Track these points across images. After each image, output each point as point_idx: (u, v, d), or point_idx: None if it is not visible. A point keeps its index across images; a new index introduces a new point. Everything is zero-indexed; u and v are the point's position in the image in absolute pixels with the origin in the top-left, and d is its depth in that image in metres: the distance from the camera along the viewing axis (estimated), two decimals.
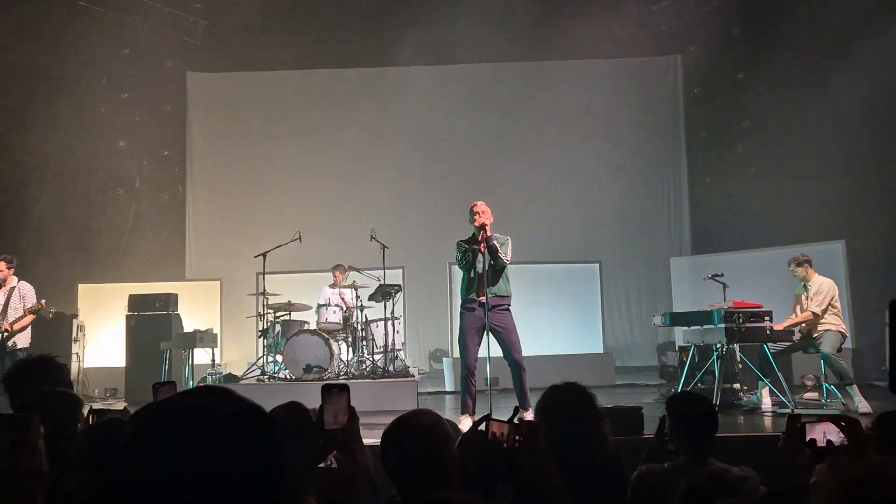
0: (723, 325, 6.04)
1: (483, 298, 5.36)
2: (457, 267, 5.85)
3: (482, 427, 1.73)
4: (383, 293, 7.80)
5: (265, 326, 7.81)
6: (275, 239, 7.94)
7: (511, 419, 1.73)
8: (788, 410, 5.63)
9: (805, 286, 6.53)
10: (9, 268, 6.56)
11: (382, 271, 7.78)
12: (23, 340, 6.50)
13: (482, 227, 5.39)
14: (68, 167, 9.71)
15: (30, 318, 6.51)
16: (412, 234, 10.31)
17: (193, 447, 0.79)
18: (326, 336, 7.35)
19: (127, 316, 8.44)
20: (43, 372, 2.49)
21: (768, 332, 6.09)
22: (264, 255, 7.76)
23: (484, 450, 1.70)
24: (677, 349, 8.02)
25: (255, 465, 0.81)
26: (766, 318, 6.13)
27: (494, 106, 11.12)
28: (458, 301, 6.00)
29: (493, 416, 1.75)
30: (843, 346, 6.37)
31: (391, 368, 7.50)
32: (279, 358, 7.52)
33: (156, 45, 10.25)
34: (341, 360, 7.69)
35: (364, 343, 7.82)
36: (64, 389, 2.44)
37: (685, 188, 11.39)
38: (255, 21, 9.73)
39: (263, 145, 11.18)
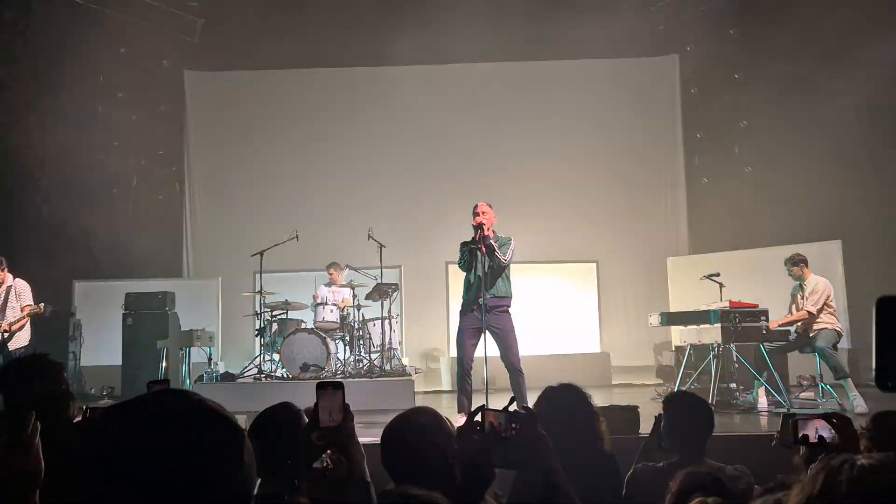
0: (719, 325, 6.05)
1: (481, 299, 5.36)
2: (456, 267, 5.85)
3: (478, 417, 1.73)
4: (380, 292, 7.81)
5: (262, 325, 7.81)
6: (272, 237, 7.93)
7: (506, 407, 1.73)
8: (784, 410, 5.65)
9: (801, 286, 6.55)
10: (1, 268, 6.52)
11: (379, 270, 7.78)
12: (23, 339, 6.48)
13: (479, 226, 5.41)
14: (65, 166, 9.68)
15: (28, 316, 6.48)
16: (409, 233, 10.29)
17: (147, 449, 0.79)
18: (323, 335, 7.35)
19: (124, 314, 8.43)
20: (35, 370, 2.48)
21: (764, 331, 6.10)
22: (261, 253, 7.76)
23: (481, 438, 1.70)
24: (674, 349, 8.04)
25: (210, 470, 0.81)
26: (763, 317, 6.14)
27: (491, 105, 11.11)
28: (455, 300, 6.02)
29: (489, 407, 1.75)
30: (838, 346, 6.39)
31: (388, 367, 7.51)
32: (276, 356, 7.52)
33: (153, 44, 10.21)
34: (338, 358, 7.70)
35: (361, 342, 7.82)
36: (56, 387, 2.43)
37: (682, 188, 11.38)
38: (252, 20, 9.71)
39: (261, 144, 11.15)
